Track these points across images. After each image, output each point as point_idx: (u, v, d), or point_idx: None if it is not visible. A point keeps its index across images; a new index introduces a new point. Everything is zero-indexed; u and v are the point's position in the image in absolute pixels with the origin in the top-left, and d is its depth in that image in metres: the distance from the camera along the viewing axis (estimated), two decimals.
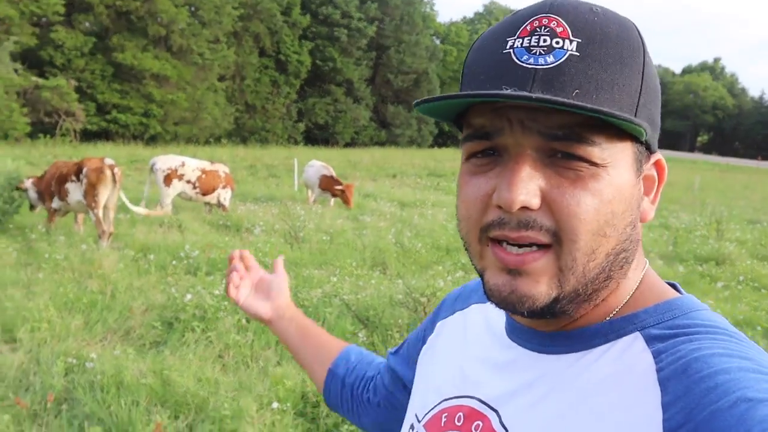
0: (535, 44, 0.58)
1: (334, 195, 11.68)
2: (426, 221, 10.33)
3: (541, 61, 0.57)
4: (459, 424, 0.71)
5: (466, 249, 0.66)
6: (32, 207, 8.35)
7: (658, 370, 0.57)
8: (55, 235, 7.56)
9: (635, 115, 0.59)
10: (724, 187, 25.43)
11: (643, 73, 0.60)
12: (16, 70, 25.35)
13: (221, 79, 34.66)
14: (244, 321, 4.68)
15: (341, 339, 3.91)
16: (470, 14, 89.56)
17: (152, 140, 30.70)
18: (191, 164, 9.94)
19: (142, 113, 30.31)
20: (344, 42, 39.54)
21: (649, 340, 0.61)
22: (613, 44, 0.58)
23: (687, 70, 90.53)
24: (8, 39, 25.16)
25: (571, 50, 0.57)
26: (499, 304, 0.62)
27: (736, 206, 16.68)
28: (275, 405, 3.35)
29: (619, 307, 0.65)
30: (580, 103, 0.53)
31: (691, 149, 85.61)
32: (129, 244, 7.35)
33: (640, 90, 0.60)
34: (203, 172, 9.93)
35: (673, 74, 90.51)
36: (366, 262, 7.17)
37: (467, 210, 0.63)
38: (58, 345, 4.19)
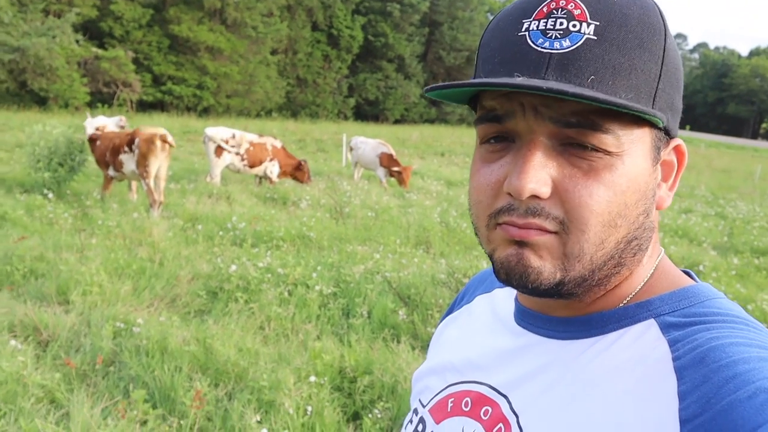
0: (551, 27, 0.57)
1: (391, 175, 11.47)
2: None
3: (556, 45, 0.56)
4: (466, 409, 0.71)
5: (476, 234, 0.67)
6: None
7: (675, 359, 0.57)
8: (108, 202, 7.80)
9: (653, 101, 0.58)
10: None
11: (663, 56, 0.58)
12: (77, 41, 26.10)
13: (274, 52, 34.90)
14: (286, 294, 4.75)
15: (381, 316, 3.85)
16: None
17: (205, 112, 31.25)
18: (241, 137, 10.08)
19: (196, 85, 30.85)
20: (397, 17, 39.18)
21: (665, 328, 0.60)
22: (633, 27, 0.57)
23: (755, 52, 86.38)
24: (71, 11, 25.90)
25: (588, 34, 0.56)
26: (507, 276, 0.61)
27: None
28: (313, 378, 3.39)
29: (633, 293, 0.65)
30: (591, 94, 0.52)
31: (754, 136, 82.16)
32: (178, 214, 7.53)
33: (660, 74, 0.58)
34: (251, 144, 10.05)
35: (739, 56, 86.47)
36: (410, 240, 7.15)
37: (478, 195, 0.63)
38: (107, 309, 4.34)
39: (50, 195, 7.70)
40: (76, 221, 6.83)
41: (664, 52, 0.58)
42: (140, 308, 4.53)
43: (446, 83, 0.58)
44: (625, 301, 0.64)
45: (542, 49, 0.57)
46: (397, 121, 40.24)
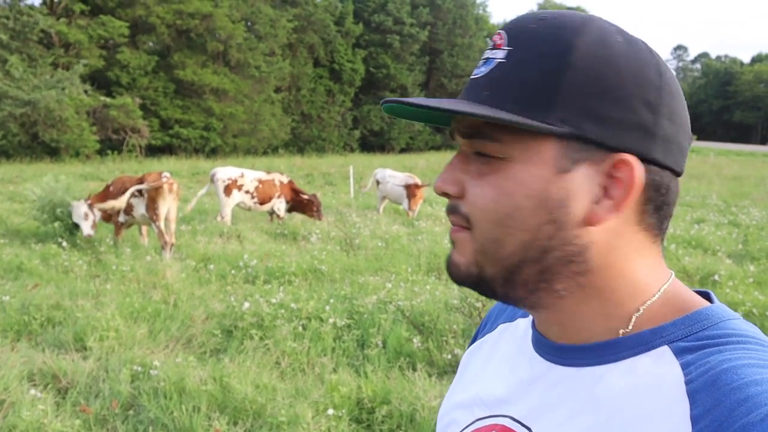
0: (483, 57, 0.65)
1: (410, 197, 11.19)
2: None
3: (479, 72, 0.65)
4: None
5: None
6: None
7: (687, 383, 0.56)
8: (122, 247, 7.89)
9: (553, 110, 0.59)
10: None
11: (566, 69, 0.59)
12: (86, 91, 26.60)
13: (277, 90, 35.36)
14: (300, 328, 4.76)
15: (396, 346, 3.85)
16: None
17: (213, 153, 31.58)
18: (249, 175, 10.20)
19: (203, 127, 31.24)
20: (397, 48, 39.66)
21: (678, 353, 0.60)
22: (537, 44, 0.61)
23: (757, 59, 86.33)
24: (78, 62, 26.46)
25: (500, 58, 0.63)
26: (448, 274, 0.70)
27: None
28: (331, 411, 3.38)
29: (636, 316, 0.63)
30: (460, 108, 0.60)
31: (763, 141, 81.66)
32: (190, 255, 7.59)
33: (561, 85, 0.59)
34: (260, 182, 10.16)
35: (742, 64, 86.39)
36: (421, 267, 7.16)
37: None
38: (124, 353, 4.37)
39: (64, 243, 7.80)
40: (91, 268, 6.91)
41: (567, 66, 0.59)
42: (157, 350, 4.55)
43: (399, 99, 0.65)
44: (631, 326, 0.63)
45: (473, 77, 0.66)
46: (402, 150, 40.44)
